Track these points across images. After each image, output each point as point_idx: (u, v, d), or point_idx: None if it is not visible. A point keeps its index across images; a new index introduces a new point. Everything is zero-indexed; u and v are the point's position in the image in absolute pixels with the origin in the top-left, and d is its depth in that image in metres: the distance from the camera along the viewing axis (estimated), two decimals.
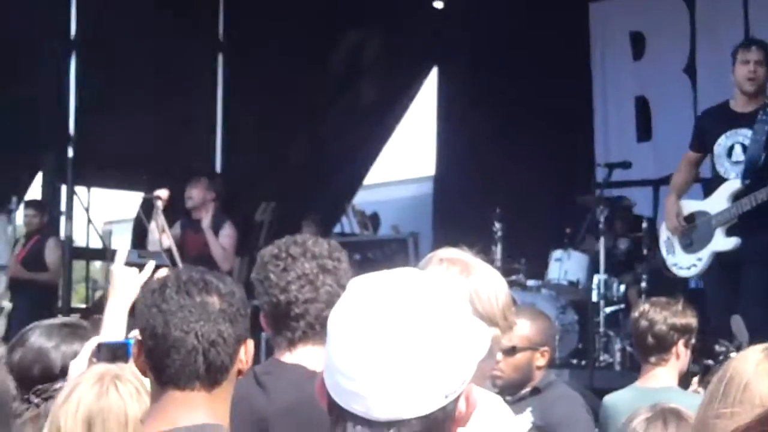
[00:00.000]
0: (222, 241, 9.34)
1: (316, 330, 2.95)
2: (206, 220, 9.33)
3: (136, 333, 2.42)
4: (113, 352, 3.08)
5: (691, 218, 7.37)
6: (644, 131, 11.43)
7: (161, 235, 8.40)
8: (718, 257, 7.21)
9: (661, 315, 4.84)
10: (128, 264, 3.68)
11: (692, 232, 7.34)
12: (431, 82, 13.52)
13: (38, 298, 10.06)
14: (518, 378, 4.82)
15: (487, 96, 11.95)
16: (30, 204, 10.70)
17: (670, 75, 11.12)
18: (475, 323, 1.78)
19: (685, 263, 7.44)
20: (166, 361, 2.29)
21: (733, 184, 7.11)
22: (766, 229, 6.95)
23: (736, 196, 7.10)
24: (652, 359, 4.87)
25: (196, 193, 9.33)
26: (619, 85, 11.62)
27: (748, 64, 7.14)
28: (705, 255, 7.28)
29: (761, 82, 7.15)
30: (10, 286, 9.76)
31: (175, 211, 9.16)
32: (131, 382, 2.70)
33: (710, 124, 7.41)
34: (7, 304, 9.45)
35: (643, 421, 2.64)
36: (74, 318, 6.33)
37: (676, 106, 10.97)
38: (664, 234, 7.63)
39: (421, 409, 1.65)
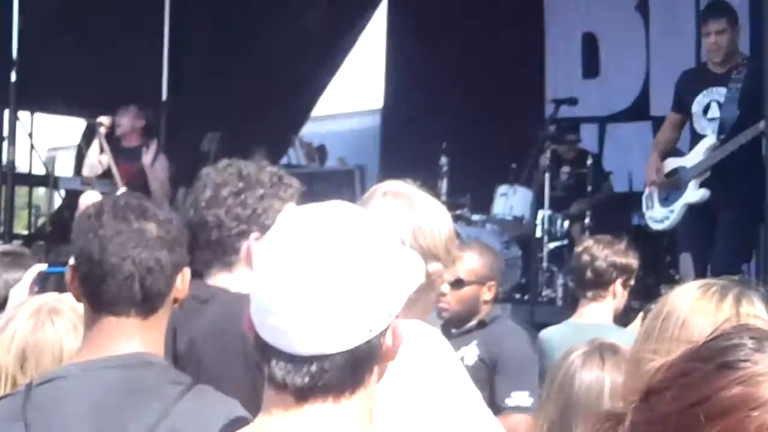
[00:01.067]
0: (158, 175, 9.38)
1: (213, 255, 2.91)
2: (147, 156, 9.34)
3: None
4: (60, 280, 3.00)
5: (672, 174, 7.47)
6: (591, 68, 11.43)
7: (101, 156, 8.50)
8: (691, 209, 7.31)
9: (603, 252, 4.88)
10: (70, 191, 3.61)
11: (669, 186, 7.45)
12: (380, 14, 13.42)
13: None
14: (464, 311, 4.85)
15: (436, 29, 11.87)
16: None
17: (621, 12, 11.10)
18: (407, 257, 1.75)
19: (659, 216, 7.56)
20: (102, 287, 2.25)
21: (709, 140, 7.23)
22: (739, 180, 7.04)
23: (711, 151, 7.20)
24: (589, 294, 4.92)
25: (125, 121, 9.38)
26: (568, 20, 11.59)
27: (709, 36, 7.23)
28: (677, 207, 7.40)
29: (726, 48, 7.22)
30: None
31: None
32: (68, 317, 2.62)
33: (688, 85, 7.53)
34: None
35: (580, 356, 2.64)
36: (16, 245, 6.26)
37: (628, 44, 10.97)
38: (646, 190, 7.74)
39: (344, 343, 1.62)
